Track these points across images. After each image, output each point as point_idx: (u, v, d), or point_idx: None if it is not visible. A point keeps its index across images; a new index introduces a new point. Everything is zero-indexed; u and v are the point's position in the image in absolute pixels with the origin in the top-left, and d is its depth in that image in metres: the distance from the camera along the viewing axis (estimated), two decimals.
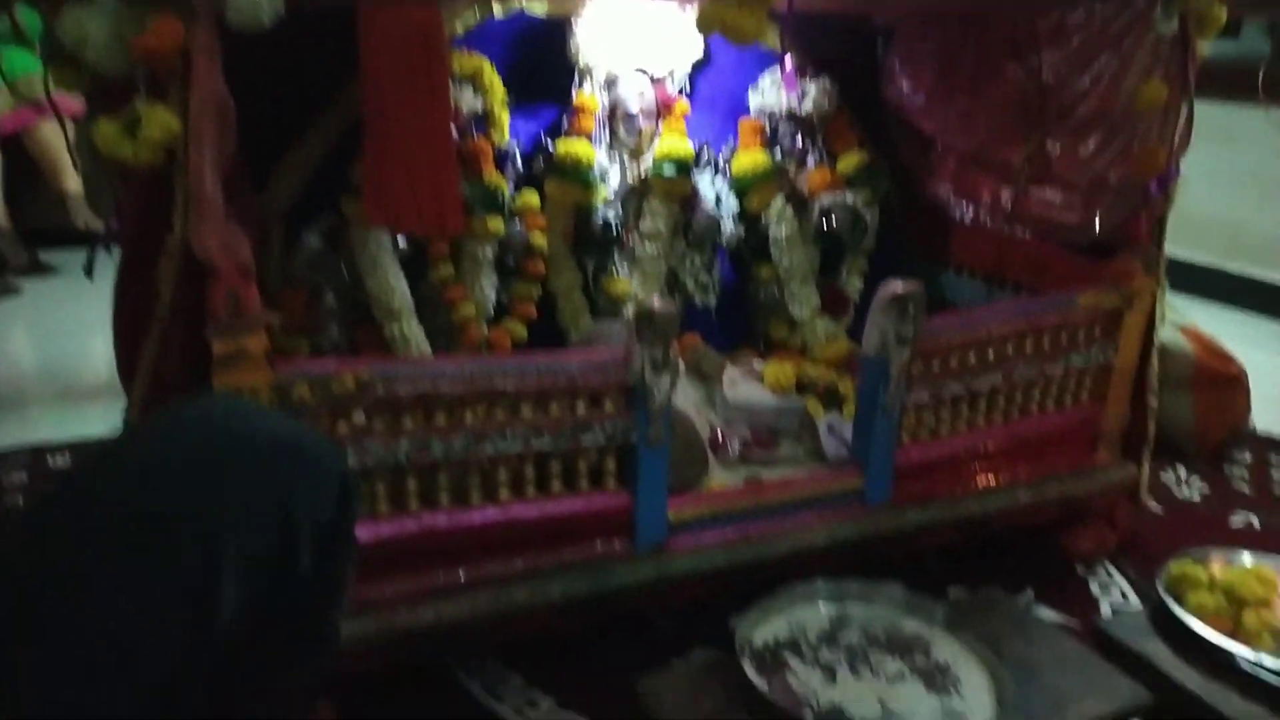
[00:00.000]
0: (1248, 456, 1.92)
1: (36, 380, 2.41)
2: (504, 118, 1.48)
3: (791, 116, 1.70)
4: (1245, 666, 1.15)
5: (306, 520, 0.59)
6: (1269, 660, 1.14)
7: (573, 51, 1.52)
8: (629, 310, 1.58)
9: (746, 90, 1.71)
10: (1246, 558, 1.35)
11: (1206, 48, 1.40)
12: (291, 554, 0.59)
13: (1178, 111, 1.37)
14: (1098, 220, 1.47)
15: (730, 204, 1.66)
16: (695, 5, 1.43)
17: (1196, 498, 1.76)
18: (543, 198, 1.54)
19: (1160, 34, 1.32)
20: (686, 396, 1.50)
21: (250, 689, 0.60)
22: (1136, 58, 1.39)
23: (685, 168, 1.59)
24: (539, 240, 1.52)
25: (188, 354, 0.97)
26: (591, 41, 1.52)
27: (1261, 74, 2.35)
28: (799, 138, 1.71)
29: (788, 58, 1.57)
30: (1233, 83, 2.56)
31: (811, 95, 1.67)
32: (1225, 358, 1.91)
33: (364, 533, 1.05)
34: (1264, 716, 1.10)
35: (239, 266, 0.94)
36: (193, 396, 0.64)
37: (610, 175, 1.58)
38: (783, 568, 1.28)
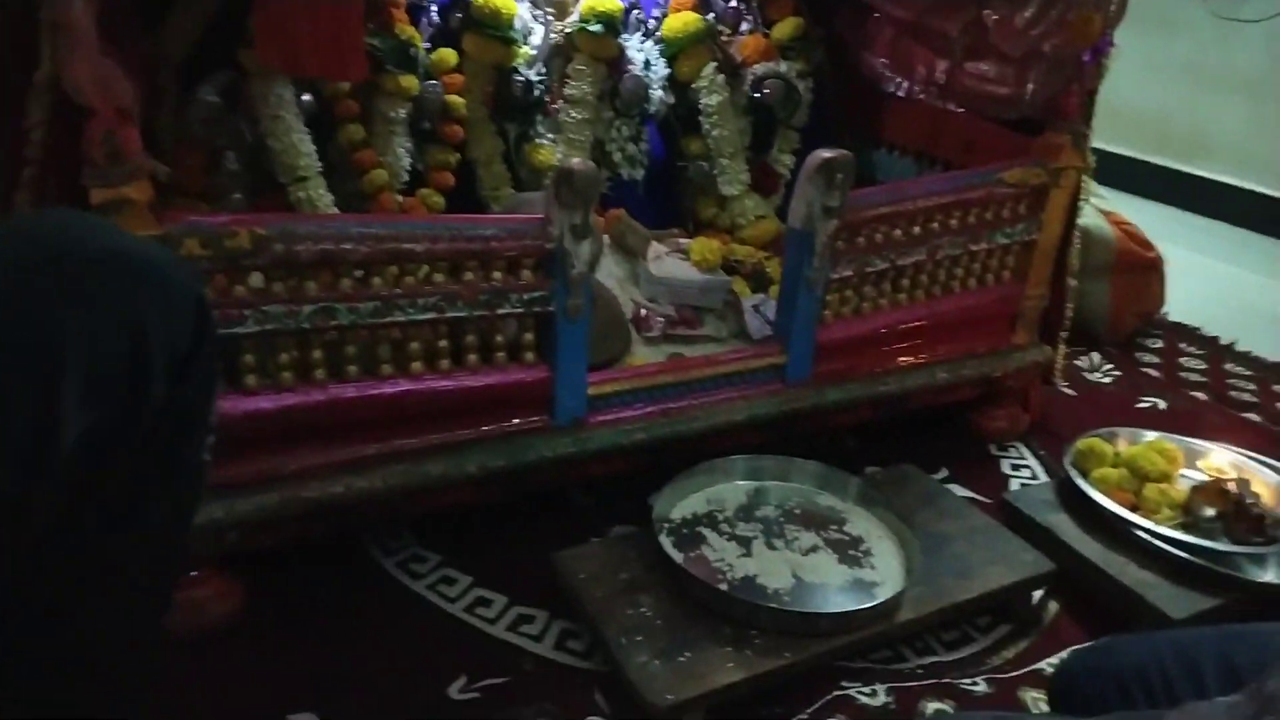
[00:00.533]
0: (1159, 343, 1.97)
1: None
2: None
3: None
4: (1143, 537, 1.19)
5: (159, 344, 0.54)
6: (1165, 531, 1.19)
7: None
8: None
9: None
10: (1150, 435, 1.39)
11: None
12: (143, 380, 0.53)
13: None
14: (1030, 91, 1.44)
15: (660, 69, 1.58)
16: None
17: (1108, 381, 1.80)
18: (461, 56, 1.44)
19: None
20: (610, 272, 1.46)
21: (103, 525, 0.56)
22: None
23: (613, 26, 1.50)
24: (456, 102, 1.43)
25: (64, 204, 0.89)
26: None
27: None
28: (733, 1, 1.63)
29: None
30: None
31: None
32: (1145, 243, 1.94)
33: (268, 403, 1.00)
34: (1158, 584, 1.15)
35: (116, 107, 0.85)
36: (41, 209, 0.57)
37: (533, 34, 1.49)
38: (702, 444, 1.27)
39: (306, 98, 1.30)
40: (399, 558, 1.20)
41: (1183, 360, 1.91)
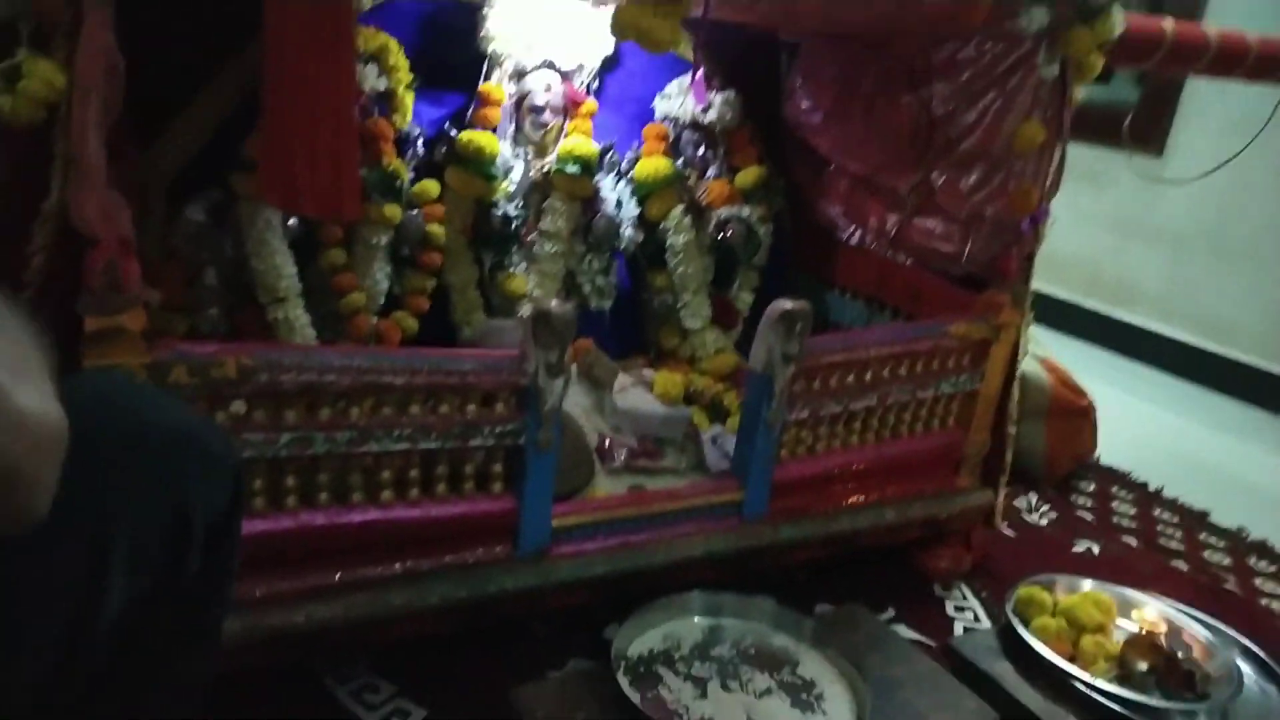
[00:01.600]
0: (1092, 486, 2.06)
1: None
2: (408, 100, 1.44)
3: (696, 125, 1.71)
4: (1081, 689, 1.23)
5: (199, 516, 0.56)
6: (1101, 683, 1.23)
7: (483, 39, 1.50)
8: (523, 309, 1.56)
9: (653, 96, 1.71)
10: (1087, 584, 1.45)
11: (1081, 94, 1.48)
12: (183, 551, 0.56)
13: (1052, 153, 1.45)
14: (972, 250, 1.55)
15: (630, 209, 1.66)
16: (611, 8, 1.44)
17: (1044, 523, 1.88)
18: (443, 187, 1.50)
19: (1043, 76, 1.40)
20: (576, 401, 1.49)
21: (132, 686, 0.57)
22: (1019, 98, 1.46)
23: (589, 168, 1.58)
24: (436, 231, 1.49)
25: (55, 329, 0.90)
26: (503, 30, 1.49)
27: (1128, 121, 2.53)
28: (702, 148, 1.73)
29: (700, 69, 1.58)
30: (1100, 126, 2.76)
31: (716, 106, 1.69)
32: (1078, 390, 2.04)
33: None
34: None
35: (119, 237, 0.88)
36: (77, 375, 0.60)
37: (513, 170, 1.56)
38: (661, 578, 1.29)
39: (292, 221, 1.34)
40: (352, 686, 1.18)
41: (1114, 505, 2.00)
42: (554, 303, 1.11)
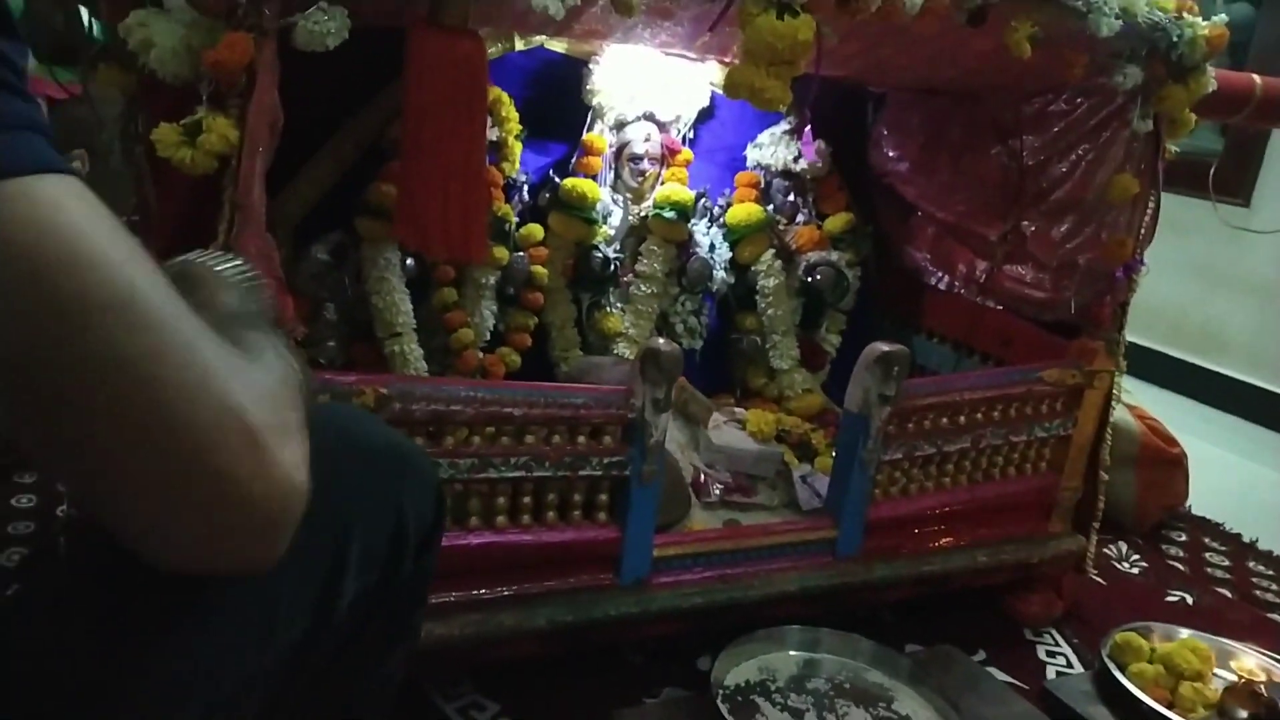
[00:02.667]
0: (1184, 536, 2.03)
1: None
2: (516, 149, 1.52)
3: (786, 174, 1.77)
4: None
5: (412, 524, 0.63)
6: None
7: (586, 92, 1.58)
8: (619, 347, 1.63)
9: (745, 145, 1.78)
10: (1184, 632, 1.44)
11: (1175, 149, 1.50)
12: (399, 554, 0.62)
13: (1145, 205, 1.47)
14: (1066, 299, 1.56)
15: (723, 252, 1.72)
16: (712, 60, 1.50)
17: (1136, 572, 1.85)
18: (546, 231, 1.58)
19: (1136, 131, 1.42)
20: (671, 437, 1.54)
21: (349, 676, 0.63)
22: (1111, 151, 1.49)
23: (684, 213, 1.65)
24: (540, 272, 1.56)
25: None
26: (605, 84, 1.57)
27: (1213, 171, 2.51)
28: (791, 195, 1.78)
29: (807, 128, 1.65)
30: (1185, 175, 2.74)
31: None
32: (1168, 439, 2.02)
33: None
34: None
35: (276, 276, 0.96)
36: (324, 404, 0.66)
37: (612, 215, 1.63)
38: (755, 611, 1.32)
39: (410, 262, 1.43)
40: (459, 704, 1.23)
41: (1207, 555, 1.96)
42: (662, 341, 1.17)
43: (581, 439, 1.17)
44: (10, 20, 0.41)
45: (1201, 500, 2.13)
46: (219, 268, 0.63)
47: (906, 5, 1.10)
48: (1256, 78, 1.59)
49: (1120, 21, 1.26)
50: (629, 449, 1.19)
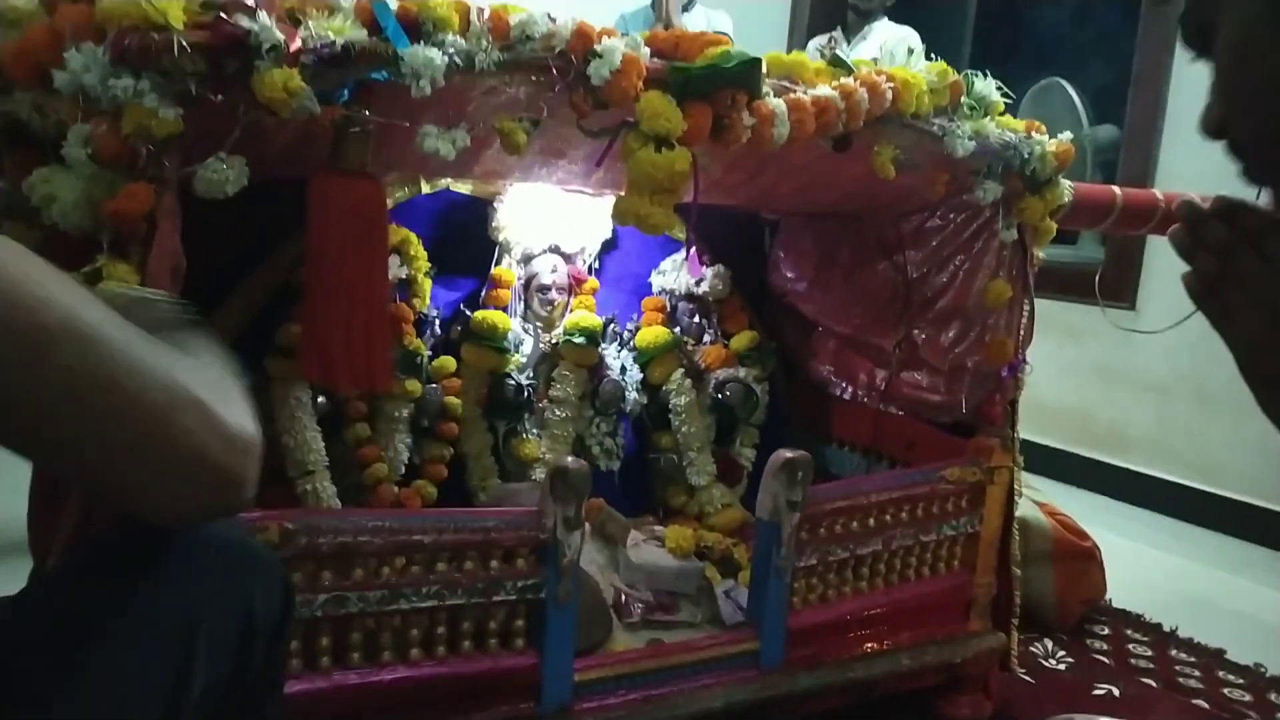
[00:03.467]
0: (1106, 630, 2.07)
1: None
2: (426, 286, 1.57)
3: (690, 297, 1.85)
4: None
5: (261, 617, 0.65)
6: None
7: (493, 229, 1.65)
8: (536, 473, 1.64)
9: (649, 272, 1.86)
10: None
11: (1043, 255, 1.62)
12: (248, 646, 0.64)
13: (1020, 307, 1.57)
14: (959, 400, 1.64)
15: (634, 374, 1.77)
16: (609, 194, 1.59)
17: (1062, 668, 1.87)
18: (459, 362, 1.61)
19: (1003, 240, 1.54)
20: (590, 559, 1.54)
21: None
22: (984, 260, 1.60)
23: (593, 339, 1.70)
24: (453, 403, 1.59)
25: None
26: (511, 220, 1.65)
27: (1097, 278, 2.69)
28: (696, 316, 1.86)
29: (693, 247, 1.74)
30: (1074, 284, 2.93)
31: (708, 279, 1.83)
32: (1080, 533, 2.09)
33: None
34: None
35: None
36: None
37: (524, 344, 1.68)
38: None
39: (321, 400, 1.44)
40: None
41: (1130, 647, 2.00)
42: (570, 459, 1.19)
43: (494, 563, 1.17)
44: None
45: (1120, 593, 2.18)
46: (147, 294, 0.78)
47: (775, 135, 1.20)
48: (1116, 189, 1.75)
49: (973, 143, 1.39)
50: (543, 570, 1.19)
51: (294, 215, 1.25)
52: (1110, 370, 3.18)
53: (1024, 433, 1.62)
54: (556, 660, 1.21)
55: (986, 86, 1.46)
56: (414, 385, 1.53)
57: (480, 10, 1.07)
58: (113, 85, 0.90)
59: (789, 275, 1.96)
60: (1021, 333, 1.57)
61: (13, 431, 0.52)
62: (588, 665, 1.26)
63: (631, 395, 1.76)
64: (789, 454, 1.34)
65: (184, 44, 0.90)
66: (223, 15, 0.93)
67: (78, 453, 0.53)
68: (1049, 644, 1.96)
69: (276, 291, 1.44)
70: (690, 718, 1.30)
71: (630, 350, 1.79)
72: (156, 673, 0.57)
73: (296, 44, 0.94)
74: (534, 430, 1.68)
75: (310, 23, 0.97)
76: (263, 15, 0.93)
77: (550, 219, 1.67)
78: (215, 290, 1.42)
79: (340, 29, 0.98)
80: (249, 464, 0.57)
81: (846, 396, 1.90)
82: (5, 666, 0.55)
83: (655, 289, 1.85)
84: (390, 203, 1.51)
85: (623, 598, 1.46)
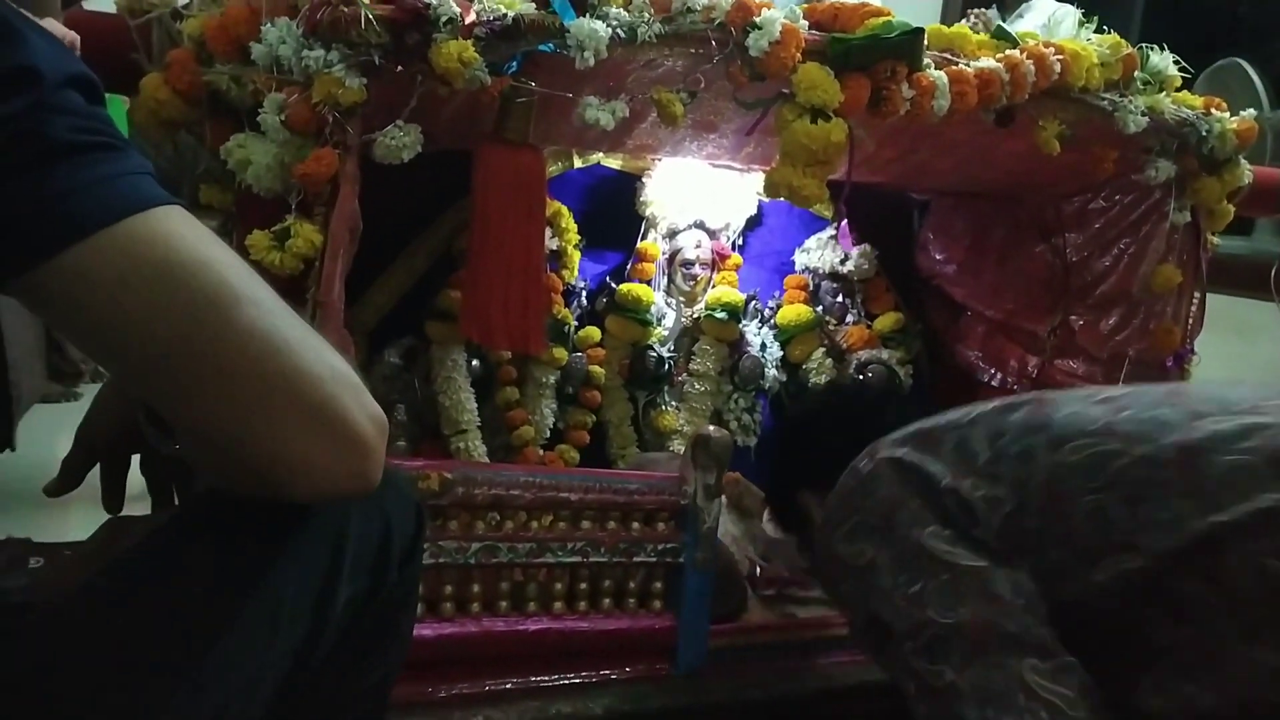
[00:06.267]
0: None
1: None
2: (575, 258, 1.62)
3: (834, 276, 1.83)
4: None
5: (397, 537, 0.68)
6: None
7: (640, 203, 1.68)
8: (674, 444, 1.67)
9: (793, 250, 1.85)
10: None
11: (1218, 241, 1.53)
12: (385, 562, 0.67)
13: (1190, 294, 1.49)
14: None
15: (774, 352, 1.77)
16: (758, 170, 1.59)
17: None
18: (603, 333, 1.65)
19: (1174, 223, 1.46)
20: (726, 531, 1.56)
21: (342, 682, 0.68)
22: (1153, 244, 1.52)
23: (735, 315, 1.71)
24: (597, 372, 1.63)
25: None
26: (658, 195, 1.67)
27: (1274, 271, 2.51)
28: (840, 296, 1.84)
29: (844, 221, 1.72)
30: (1246, 278, 2.73)
31: (853, 258, 1.81)
32: None
33: (429, 630, 1.10)
34: None
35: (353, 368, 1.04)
36: None
37: (666, 317, 1.70)
38: (813, 706, 1.30)
39: (475, 363, 1.51)
40: None
41: None
42: (712, 428, 1.21)
43: (636, 525, 1.20)
44: (102, 94, 0.54)
45: None
46: None
47: (935, 108, 1.17)
48: None
49: (1146, 118, 1.32)
50: (682, 535, 1.21)
51: (457, 185, 1.32)
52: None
53: None
54: (692, 624, 1.23)
55: (1163, 60, 1.39)
56: (560, 353, 1.58)
57: None
58: (305, 56, 0.97)
59: (938, 257, 1.91)
60: (1191, 321, 1.49)
61: (179, 388, 0.53)
62: (723, 632, 1.28)
63: (771, 372, 1.76)
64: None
65: (370, 17, 0.96)
66: None
67: (243, 410, 0.53)
68: None
69: (438, 258, 1.51)
70: (821, 693, 1.30)
71: (771, 328, 1.79)
72: (307, 585, 0.61)
73: (471, 17, 0.99)
74: (673, 403, 1.71)
75: None
76: None
77: (697, 195, 1.68)
78: (380, 257, 1.50)
79: (511, 3, 1.02)
80: (383, 450, 0.58)
81: (995, 383, 1.84)
82: (175, 568, 0.58)
83: (799, 267, 1.84)
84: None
85: (757, 570, 1.47)
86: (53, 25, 1.16)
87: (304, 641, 0.61)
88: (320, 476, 0.56)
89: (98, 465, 0.91)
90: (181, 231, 0.52)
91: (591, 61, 1.04)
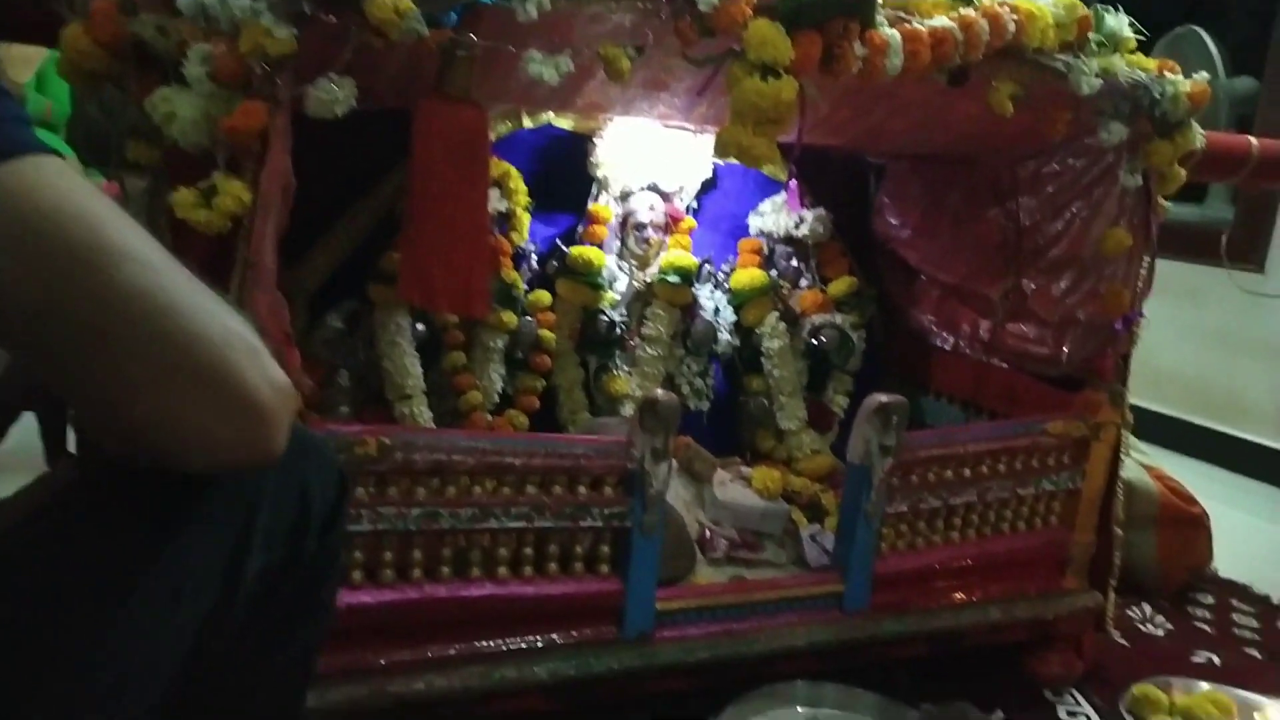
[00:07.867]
0: (1210, 599, 1.98)
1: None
2: (524, 220, 1.58)
3: (788, 240, 1.82)
4: None
5: (316, 505, 0.67)
6: None
7: (592, 164, 1.64)
8: (626, 409, 1.65)
9: (747, 214, 1.83)
10: (1204, 685, 1.40)
11: (1169, 205, 1.53)
12: (302, 531, 0.66)
13: (1140, 258, 1.49)
14: (1067, 353, 1.58)
15: (727, 316, 1.76)
16: (711, 131, 1.57)
17: (1160, 633, 1.81)
18: (554, 297, 1.63)
19: (1125, 186, 1.45)
20: (676, 495, 1.55)
21: (257, 655, 0.66)
22: (1104, 207, 1.52)
23: (687, 278, 1.69)
24: (547, 336, 1.61)
25: None
26: (610, 157, 1.64)
27: (1225, 238, 2.53)
28: (794, 260, 1.83)
29: (793, 181, 1.70)
30: (1197, 244, 2.76)
31: (808, 222, 1.79)
32: (1188, 498, 2.00)
33: (369, 597, 1.08)
34: None
35: (284, 331, 1.00)
36: None
37: (618, 281, 1.68)
38: (761, 666, 1.31)
39: (420, 327, 1.48)
40: None
41: (1235, 617, 1.91)
42: (660, 392, 1.20)
43: (582, 489, 1.19)
44: None
45: (1227, 564, 2.09)
46: None
47: (887, 66, 1.15)
48: (1253, 139, 1.63)
49: (1100, 80, 1.31)
50: (629, 499, 1.20)
51: (399, 146, 1.27)
52: (1232, 336, 3.01)
53: (1136, 399, 1.55)
54: (640, 588, 1.23)
55: (1118, 22, 1.38)
56: (510, 317, 1.55)
57: None
58: (231, 5, 0.93)
59: (893, 221, 1.90)
60: (1140, 285, 1.49)
61: (54, 353, 0.50)
62: (670, 595, 1.28)
63: (724, 337, 1.75)
64: (884, 398, 1.32)
65: None
66: None
67: (125, 376, 0.49)
68: (1148, 609, 1.90)
69: (380, 220, 1.47)
70: (771, 654, 1.30)
71: (724, 291, 1.77)
72: (214, 553, 0.59)
73: None
74: (625, 367, 1.69)
75: None
76: None
77: (650, 157, 1.66)
78: (322, 218, 1.46)
79: None
80: (287, 416, 0.55)
81: (947, 347, 1.85)
82: (72, 545, 0.56)
83: (753, 231, 1.82)
84: (492, 136, 1.52)
85: (707, 534, 1.47)
86: None
87: (212, 612, 0.59)
88: (215, 446, 0.53)
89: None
90: (53, 182, 0.48)
91: (534, 14, 1.01)
